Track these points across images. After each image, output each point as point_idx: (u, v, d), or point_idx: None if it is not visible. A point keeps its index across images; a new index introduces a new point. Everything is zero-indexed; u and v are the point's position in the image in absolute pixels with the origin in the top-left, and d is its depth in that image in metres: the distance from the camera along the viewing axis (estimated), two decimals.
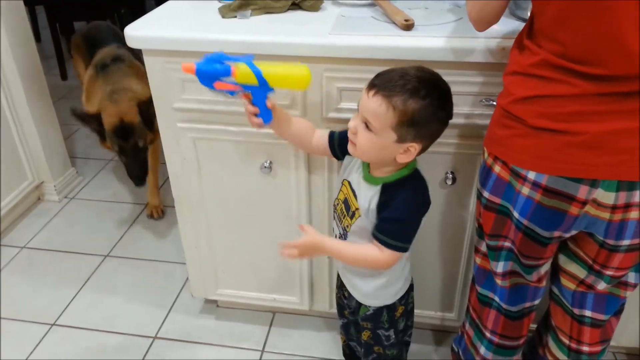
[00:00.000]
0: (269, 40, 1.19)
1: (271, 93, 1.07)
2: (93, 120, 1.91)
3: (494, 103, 1.18)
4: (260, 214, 1.48)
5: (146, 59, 1.29)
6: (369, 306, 1.20)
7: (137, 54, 2.09)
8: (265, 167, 1.37)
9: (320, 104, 1.27)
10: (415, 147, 0.99)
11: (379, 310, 1.20)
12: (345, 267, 1.21)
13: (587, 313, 1.13)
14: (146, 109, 1.87)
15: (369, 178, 1.08)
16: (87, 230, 2.17)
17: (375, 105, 0.95)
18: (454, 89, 1.03)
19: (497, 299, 1.16)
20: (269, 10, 1.35)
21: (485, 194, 1.03)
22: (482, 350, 1.24)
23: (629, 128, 0.83)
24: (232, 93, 1.07)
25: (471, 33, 1.16)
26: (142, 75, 2.04)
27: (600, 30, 0.79)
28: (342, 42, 1.17)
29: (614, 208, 0.90)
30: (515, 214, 0.98)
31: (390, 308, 1.20)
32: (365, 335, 1.26)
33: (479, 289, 1.20)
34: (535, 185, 0.92)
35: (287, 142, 1.32)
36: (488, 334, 1.21)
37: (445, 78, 1.02)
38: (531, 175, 0.92)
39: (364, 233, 1.09)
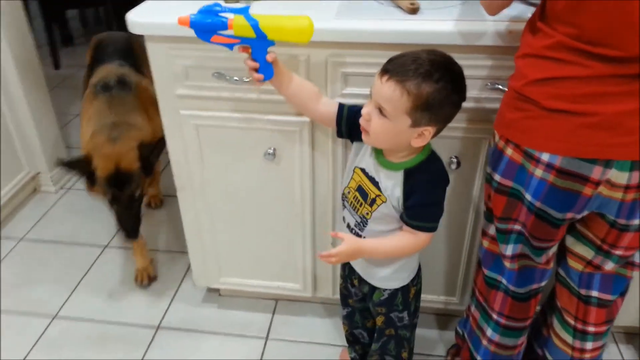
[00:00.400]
0: None
1: (272, 47, 1.03)
2: (82, 164, 1.60)
3: (500, 87, 1.18)
4: (263, 201, 1.47)
5: (149, 45, 1.27)
6: (384, 290, 1.21)
7: (139, 68, 1.90)
8: (269, 153, 1.36)
9: (325, 90, 1.26)
10: (429, 131, 0.99)
11: (394, 293, 1.20)
12: None
13: (594, 293, 1.14)
14: (148, 152, 1.60)
15: (387, 164, 1.07)
16: (86, 221, 2.16)
17: (389, 91, 0.95)
18: None
19: (504, 281, 1.17)
20: None
21: (497, 177, 1.04)
22: (489, 332, 1.25)
23: None
24: (230, 47, 1.02)
25: (478, 16, 1.16)
26: (149, 105, 1.76)
27: (616, 13, 0.79)
28: (349, 27, 1.16)
29: (627, 188, 0.91)
30: (528, 197, 0.99)
31: (404, 290, 1.21)
32: (379, 321, 1.27)
33: (486, 272, 1.20)
34: (549, 166, 0.92)
35: (291, 129, 1.32)
36: (495, 316, 1.22)
37: None
38: (545, 156, 0.92)
39: (388, 219, 1.09)
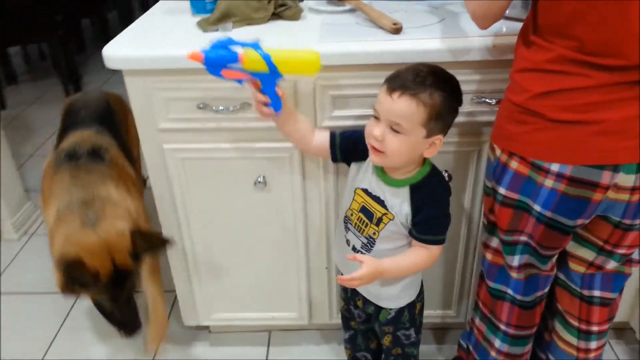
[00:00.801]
0: None
1: (280, 80, 1.03)
2: (80, 271, 1.21)
3: (487, 100, 1.21)
4: (255, 231, 1.43)
5: (128, 79, 1.22)
6: (390, 309, 1.20)
7: (123, 139, 1.61)
8: (259, 182, 1.32)
9: (314, 113, 1.24)
10: (440, 140, 1.03)
11: (401, 310, 1.20)
12: None
13: (596, 293, 1.17)
14: (145, 245, 1.27)
15: (391, 182, 1.08)
16: None
17: (404, 106, 0.96)
18: None
19: (510, 291, 1.18)
20: (250, 21, 1.31)
21: (502, 190, 1.05)
22: (497, 343, 1.25)
23: None
24: (240, 81, 1.01)
25: (460, 33, 1.19)
26: (127, 181, 1.47)
27: (616, 24, 0.82)
28: (336, 50, 1.16)
29: (633, 190, 0.94)
30: (537, 207, 1.00)
31: (410, 306, 1.21)
32: (386, 341, 1.26)
33: (491, 284, 1.21)
34: (559, 176, 0.94)
35: (280, 155, 1.30)
36: (503, 327, 1.22)
37: None
38: (555, 167, 0.94)
39: (396, 237, 1.10)
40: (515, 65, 0.98)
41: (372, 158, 1.04)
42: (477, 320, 1.31)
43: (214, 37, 1.23)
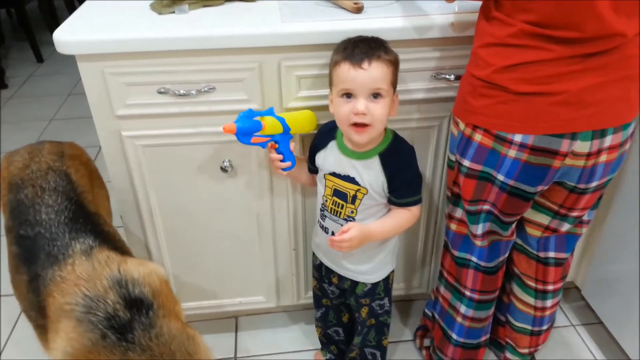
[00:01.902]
0: (225, 33, 1.14)
1: (291, 139, 1.19)
2: None
3: (446, 77, 1.25)
4: (220, 217, 1.41)
5: (81, 65, 1.16)
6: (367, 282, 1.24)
7: (107, 227, 1.14)
8: (225, 166, 1.31)
9: (279, 95, 1.24)
10: (397, 96, 1.10)
11: (376, 282, 1.24)
12: (343, 256, 1.21)
13: (551, 254, 1.25)
14: None
15: (360, 155, 1.11)
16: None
17: (379, 70, 1.01)
18: (407, 65, 1.16)
19: (474, 259, 1.24)
20: (206, 3, 1.28)
21: (466, 162, 1.09)
22: (463, 309, 1.32)
23: (599, 82, 0.93)
24: (263, 145, 1.16)
25: (420, 11, 1.22)
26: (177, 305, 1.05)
27: None
28: (301, 30, 1.16)
29: (588, 155, 1.01)
30: (500, 177, 1.06)
31: (385, 277, 1.25)
32: (363, 313, 1.29)
33: (456, 253, 1.27)
34: (522, 146, 1.00)
35: None
36: (468, 293, 1.29)
37: (401, 56, 1.11)
38: (517, 137, 0.99)
39: (373, 210, 1.14)
40: (478, 40, 1.02)
41: (356, 137, 1.06)
42: (442, 289, 1.37)
43: (172, 18, 1.20)
